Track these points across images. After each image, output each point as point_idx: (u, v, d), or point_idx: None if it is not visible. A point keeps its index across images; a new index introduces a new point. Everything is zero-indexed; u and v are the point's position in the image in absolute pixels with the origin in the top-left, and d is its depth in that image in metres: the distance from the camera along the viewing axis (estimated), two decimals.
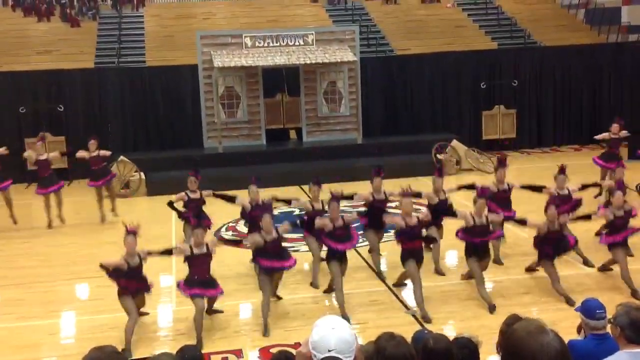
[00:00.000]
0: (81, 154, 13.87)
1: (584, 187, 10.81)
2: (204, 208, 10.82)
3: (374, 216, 10.16)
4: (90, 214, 14.53)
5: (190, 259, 8.27)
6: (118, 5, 23.47)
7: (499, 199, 10.41)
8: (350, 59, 18.31)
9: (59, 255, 12.04)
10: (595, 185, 11.77)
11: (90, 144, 13.85)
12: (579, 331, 5.11)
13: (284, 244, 8.97)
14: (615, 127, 13.62)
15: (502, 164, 10.79)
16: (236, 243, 9.05)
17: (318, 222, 9.08)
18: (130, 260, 8.09)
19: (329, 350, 2.65)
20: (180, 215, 10.69)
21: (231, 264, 10.50)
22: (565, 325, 6.35)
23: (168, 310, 9.22)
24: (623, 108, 20.89)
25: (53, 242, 12.90)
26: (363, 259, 10.59)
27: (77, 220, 14.13)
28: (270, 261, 8.51)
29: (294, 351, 3.97)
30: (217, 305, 8.84)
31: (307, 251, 10.27)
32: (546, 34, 22.25)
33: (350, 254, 9.43)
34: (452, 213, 9.57)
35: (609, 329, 4.57)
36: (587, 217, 9.60)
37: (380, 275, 9.99)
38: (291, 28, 19.91)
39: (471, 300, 8.99)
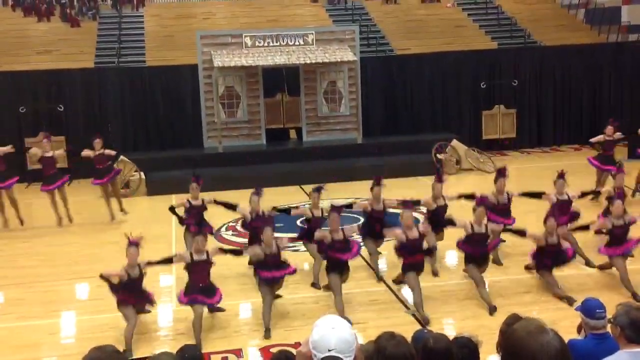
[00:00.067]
0: (86, 152, 13.87)
1: (583, 194, 10.82)
2: (205, 212, 10.83)
3: (372, 226, 10.21)
4: (92, 214, 14.54)
5: (190, 266, 8.30)
6: (118, 5, 23.47)
7: (499, 210, 10.45)
8: (350, 59, 18.32)
9: (60, 255, 12.04)
10: (594, 192, 11.76)
11: (95, 142, 13.85)
12: (579, 331, 5.12)
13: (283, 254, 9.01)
14: (609, 129, 13.62)
15: (501, 174, 10.74)
16: (236, 253, 9.07)
17: (317, 234, 9.11)
18: (131, 271, 8.13)
19: (329, 350, 2.65)
20: (181, 221, 10.68)
21: (231, 264, 10.48)
22: (565, 324, 6.35)
23: (168, 310, 9.22)
24: (623, 108, 20.91)
25: (54, 242, 12.90)
26: (363, 258, 10.59)
27: (78, 220, 14.12)
28: (270, 272, 8.54)
29: (294, 351, 3.97)
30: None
31: (307, 251, 10.28)
32: (546, 33, 22.25)
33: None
34: (451, 222, 9.58)
35: (609, 328, 4.58)
36: (586, 228, 9.63)
37: (381, 279, 9.97)
38: (291, 28, 19.91)
39: (471, 300, 8.99)
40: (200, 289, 8.23)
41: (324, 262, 9.35)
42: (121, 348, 7.32)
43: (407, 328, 5.59)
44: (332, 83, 19.22)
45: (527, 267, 9.83)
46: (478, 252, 9.03)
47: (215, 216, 11.55)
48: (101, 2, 24.20)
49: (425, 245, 9.05)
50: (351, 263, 9.36)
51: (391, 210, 10.58)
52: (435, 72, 20.64)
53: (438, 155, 17.76)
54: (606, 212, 10.49)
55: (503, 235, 10.15)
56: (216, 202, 10.69)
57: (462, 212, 10.08)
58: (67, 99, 19.06)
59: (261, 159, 17.90)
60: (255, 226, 9.81)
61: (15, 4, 23.51)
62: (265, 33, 18.74)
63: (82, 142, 15.36)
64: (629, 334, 3.98)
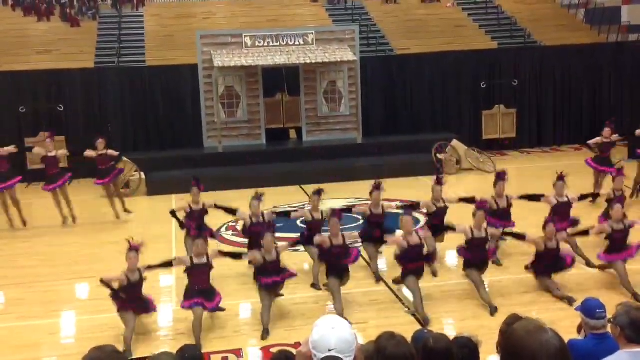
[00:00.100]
0: (89, 153, 13.87)
1: (583, 197, 10.82)
2: (206, 216, 10.83)
3: (372, 230, 10.23)
4: (92, 214, 14.54)
5: (190, 270, 8.31)
6: (118, 5, 23.47)
7: (499, 214, 10.47)
8: (350, 59, 18.32)
9: (60, 255, 12.03)
10: (594, 195, 11.76)
11: (98, 143, 13.85)
12: (579, 331, 5.12)
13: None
14: (607, 131, 13.61)
15: (500, 177, 10.73)
16: (236, 257, 9.08)
17: (317, 239, 9.12)
18: (131, 276, 8.14)
19: (329, 350, 2.65)
20: (181, 225, 10.68)
21: (231, 264, 10.45)
22: (566, 324, 6.35)
23: (168, 310, 9.22)
24: (623, 108, 20.93)
25: (54, 242, 12.90)
26: (363, 258, 10.59)
27: (78, 220, 14.12)
28: (271, 277, 8.54)
29: (294, 351, 3.97)
30: None
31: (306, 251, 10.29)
32: (546, 33, 22.25)
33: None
34: (451, 228, 9.59)
35: (609, 328, 4.58)
36: (585, 233, 9.63)
37: (380, 279, 9.97)
38: (291, 28, 19.91)
39: (471, 300, 8.99)
40: (199, 292, 8.24)
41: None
42: (121, 348, 7.33)
43: (407, 328, 5.60)
44: (332, 83, 19.22)
45: (528, 267, 9.82)
46: (478, 257, 9.06)
47: (216, 216, 11.54)
48: (101, 2, 24.20)
49: (425, 250, 9.05)
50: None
51: (391, 210, 10.62)
52: (435, 72, 20.64)
53: (438, 155, 17.76)
54: (606, 214, 10.51)
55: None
56: (216, 207, 10.69)
57: (462, 214, 10.10)
58: (67, 99, 19.06)
59: (261, 159, 17.90)
60: (254, 231, 9.82)
61: (15, 4, 23.50)
62: (265, 33, 18.74)
63: (82, 142, 15.36)
64: (629, 334, 3.98)
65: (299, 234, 10.53)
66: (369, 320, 8.46)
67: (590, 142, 13.81)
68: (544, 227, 9.14)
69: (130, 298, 8.15)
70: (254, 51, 18.28)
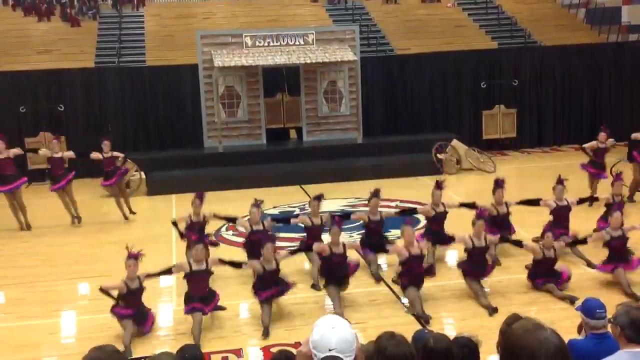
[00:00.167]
0: (96, 155, 13.86)
1: (581, 200, 10.86)
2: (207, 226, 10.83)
3: (371, 237, 10.25)
4: (92, 214, 14.53)
5: (190, 276, 8.31)
6: (118, 5, 23.47)
7: (499, 220, 10.48)
8: (351, 59, 18.31)
9: (60, 255, 12.03)
10: (592, 199, 11.77)
11: (103, 144, 13.85)
12: (579, 330, 5.12)
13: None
14: (602, 135, 13.59)
15: (499, 185, 10.73)
16: (235, 266, 9.07)
17: (316, 246, 9.12)
18: (131, 283, 8.15)
19: (330, 350, 2.65)
20: (181, 235, 10.67)
21: None
22: (566, 324, 6.36)
23: (168, 310, 9.22)
24: (623, 108, 20.93)
25: (54, 242, 12.90)
26: (363, 259, 10.58)
27: (82, 220, 14.11)
28: (270, 290, 8.53)
29: (294, 351, 3.97)
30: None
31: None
32: (546, 33, 22.25)
33: (351, 255, 9.40)
34: (451, 238, 9.62)
35: (609, 328, 4.58)
36: (584, 242, 9.65)
37: (380, 279, 9.96)
38: (291, 28, 19.91)
39: (471, 300, 8.99)
40: (199, 298, 8.25)
41: None
42: (121, 348, 7.33)
43: (407, 328, 5.59)
44: (332, 83, 19.21)
45: (528, 267, 9.82)
46: (478, 266, 9.08)
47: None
48: (101, 2, 24.19)
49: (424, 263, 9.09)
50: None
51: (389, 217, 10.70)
52: (435, 72, 20.64)
53: (438, 155, 17.76)
54: (605, 218, 10.52)
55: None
56: (216, 217, 10.70)
57: (461, 218, 10.13)
58: (67, 98, 19.05)
59: (261, 158, 17.90)
60: (254, 239, 9.82)
61: (15, 4, 23.51)
62: (266, 33, 18.73)
63: (82, 142, 15.38)
64: (629, 334, 3.99)
65: (298, 235, 10.53)
66: (369, 320, 8.45)
67: (586, 145, 13.78)
68: (542, 236, 9.20)
69: (130, 306, 8.15)
70: (254, 51, 18.28)
